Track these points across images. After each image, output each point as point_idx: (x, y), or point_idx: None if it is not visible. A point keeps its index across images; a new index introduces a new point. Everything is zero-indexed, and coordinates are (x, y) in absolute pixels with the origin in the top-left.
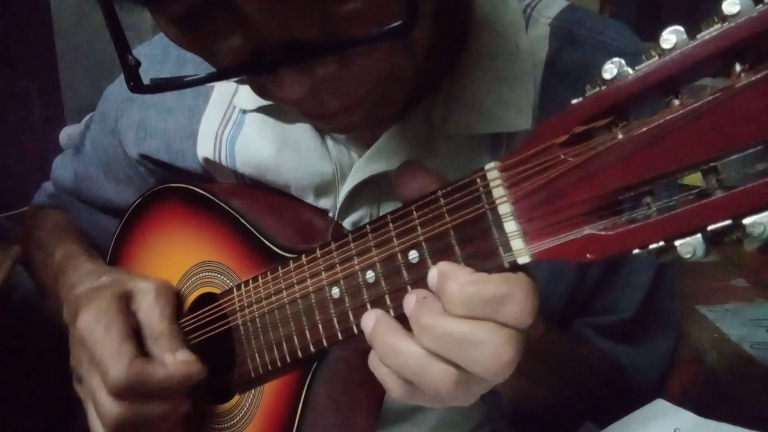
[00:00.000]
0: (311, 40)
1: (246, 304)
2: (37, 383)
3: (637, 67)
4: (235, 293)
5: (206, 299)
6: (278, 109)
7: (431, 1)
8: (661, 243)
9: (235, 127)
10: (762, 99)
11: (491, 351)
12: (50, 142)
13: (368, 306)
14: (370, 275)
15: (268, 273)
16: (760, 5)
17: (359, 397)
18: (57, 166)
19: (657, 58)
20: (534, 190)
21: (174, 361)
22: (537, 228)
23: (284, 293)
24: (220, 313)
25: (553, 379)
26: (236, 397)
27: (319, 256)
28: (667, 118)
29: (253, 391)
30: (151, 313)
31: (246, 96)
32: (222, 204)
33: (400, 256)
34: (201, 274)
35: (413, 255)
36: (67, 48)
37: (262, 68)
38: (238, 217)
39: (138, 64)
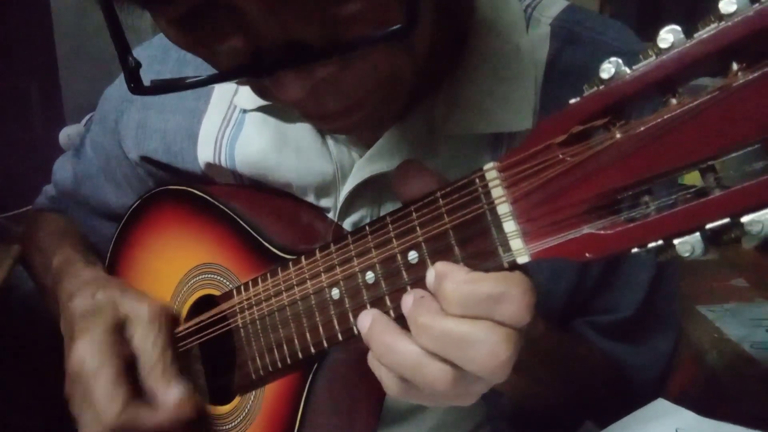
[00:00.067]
0: (311, 42)
1: (246, 306)
2: (37, 383)
3: (634, 67)
4: (235, 295)
5: (206, 301)
6: (279, 109)
7: (431, 2)
8: (660, 242)
9: (236, 128)
10: (759, 97)
11: (488, 350)
12: (50, 142)
13: (368, 307)
14: (369, 276)
15: (268, 275)
16: (757, 4)
17: (360, 397)
18: (57, 168)
19: (654, 57)
20: (533, 189)
21: (167, 399)
22: (536, 228)
23: (284, 295)
24: (219, 316)
25: (553, 379)
26: (237, 399)
27: (318, 257)
28: (665, 117)
29: (253, 392)
30: (145, 341)
31: (246, 95)
32: (221, 206)
33: (399, 257)
34: (200, 277)
35: (413, 256)
36: (67, 48)
37: (262, 70)
38: (237, 218)
39: (138, 65)
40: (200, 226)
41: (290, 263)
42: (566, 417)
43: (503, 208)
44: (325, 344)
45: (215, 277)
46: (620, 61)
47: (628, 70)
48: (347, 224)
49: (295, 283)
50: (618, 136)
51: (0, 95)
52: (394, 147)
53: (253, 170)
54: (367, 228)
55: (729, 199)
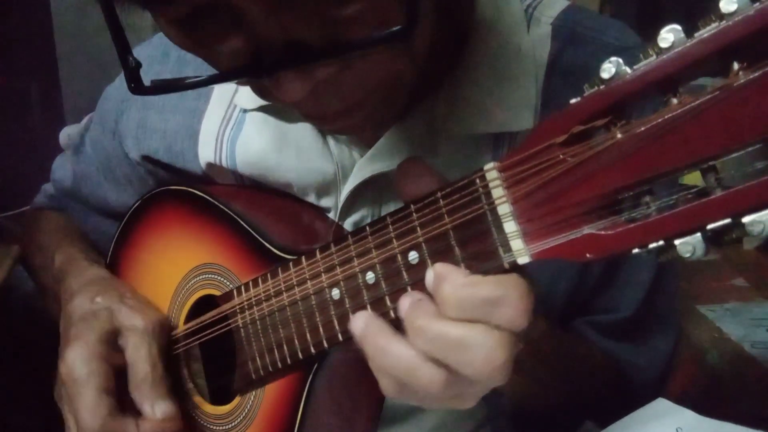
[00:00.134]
0: (312, 43)
1: (246, 306)
2: (37, 383)
3: (635, 67)
4: (235, 296)
5: (206, 301)
6: (279, 109)
7: (432, 3)
8: (661, 242)
9: (236, 127)
10: (760, 97)
11: (484, 354)
12: (50, 142)
13: (368, 307)
14: (370, 276)
15: (268, 275)
16: (757, 3)
17: (360, 397)
18: (57, 167)
19: (655, 57)
20: (533, 190)
21: (152, 415)
22: (536, 228)
23: (284, 295)
24: (220, 316)
25: (553, 379)
26: (237, 399)
27: (319, 257)
28: (666, 117)
29: (253, 392)
30: (137, 354)
31: (246, 95)
32: (221, 206)
33: (400, 257)
34: (201, 277)
35: (413, 256)
36: (67, 48)
37: (263, 70)
38: (238, 219)
39: (139, 65)
40: (201, 227)
41: (291, 263)
42: (566, 417)
43: (504, 209)
44: (326, 344)
45: (215, 277)
46: (621, 60)
47: (628, 70)
48: (348, 224)
49: (295, 283)
50: (619, 136)
51: (0, 95)
52: (394, 147)
53: (253, 170)
54: (367, 228)
55: (730, 199)
